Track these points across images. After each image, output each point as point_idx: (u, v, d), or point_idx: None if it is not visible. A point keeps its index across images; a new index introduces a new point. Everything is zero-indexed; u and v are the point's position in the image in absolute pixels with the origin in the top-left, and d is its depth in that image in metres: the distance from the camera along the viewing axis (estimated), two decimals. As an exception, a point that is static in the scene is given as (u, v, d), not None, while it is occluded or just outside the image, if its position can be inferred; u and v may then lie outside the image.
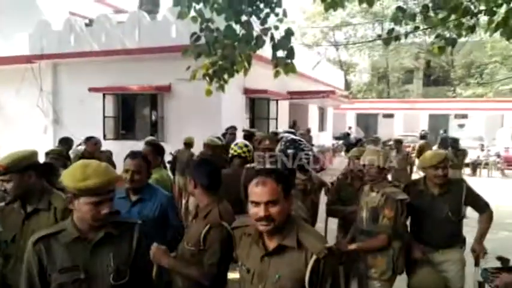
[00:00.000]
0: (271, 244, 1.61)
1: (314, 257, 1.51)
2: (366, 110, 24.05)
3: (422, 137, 11.72)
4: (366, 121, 24.63)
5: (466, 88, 26.04)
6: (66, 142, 6.06)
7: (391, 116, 23.05)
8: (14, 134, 10.67)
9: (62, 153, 4.41)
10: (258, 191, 1.56)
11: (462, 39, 4.30)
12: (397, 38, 4.21)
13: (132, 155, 2.68)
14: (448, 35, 4.13)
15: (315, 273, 1.52)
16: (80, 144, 6.51)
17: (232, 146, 3.87)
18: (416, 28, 4.44)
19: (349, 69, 31.49)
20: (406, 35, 4.71)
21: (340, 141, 17.59)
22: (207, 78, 3.92)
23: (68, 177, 1.64)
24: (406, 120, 22.05)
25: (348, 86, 28.19)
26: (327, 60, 24.45)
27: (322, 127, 17.85)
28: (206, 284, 2.03)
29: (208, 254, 2.05)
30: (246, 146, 3.80)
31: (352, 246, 2.97)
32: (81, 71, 10.17)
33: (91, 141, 6.20)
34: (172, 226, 2.66)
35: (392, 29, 4.24)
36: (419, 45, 24.53)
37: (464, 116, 22.25)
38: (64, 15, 10.62)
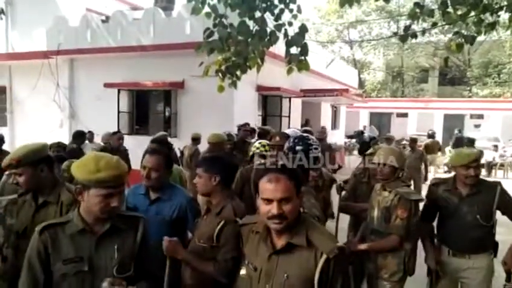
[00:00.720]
0: (280, 242, 1.57)
1: (324, 256, 1.47)
2: (379, 108, 23.78)
3: (430, 136, 11.67)
4: (380, 120, 24.35)
5: (482, 88, 25.52)
6: (80, 136, 6.20)
7: (405, 115, 22.74)
8: (31, 128, 10.89)
9: (62, 145, 4.51)
10: (271, 188, 1.51)
11: (480, 38, 4.19)
12: (414, 35, 4.12)
13: (152, 151, 2.64)
14: (467, 33, 4.03)
15: (324, 273, 1.48)
16: (88, 138, 6.59)
17: (255, 144, 3.91)
18: (435, 24, 4.34)
19: (363, 67, 31.16)
20: (424, 31, 4.62)
21: (353, 140, 17.45)
22: (220, 74, 3.91)
23: (80, 168, 1.65)
24: (420, 119, 21.72)
25: (361, 84, 27.92)
26: (340, 58, 24.25)
27: (334, 125, 17.72)
28: (223, 281, 2.01)
29: (223, 250, 2.04)
30: (268, 144, 3.85)
31: (362, 246, 2.92)
32: (97, 66, 10.30)
33: (116, 136, 6.38)
34: (189, 228, 2.59)
35: (410, 25, 4.17)
36: (436, 44, 24.12)
37: (480, 116, 21.78)
38: (81, 12, 10.76)
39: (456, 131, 15.52)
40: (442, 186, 2.99)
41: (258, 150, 3.73)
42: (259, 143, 3.88)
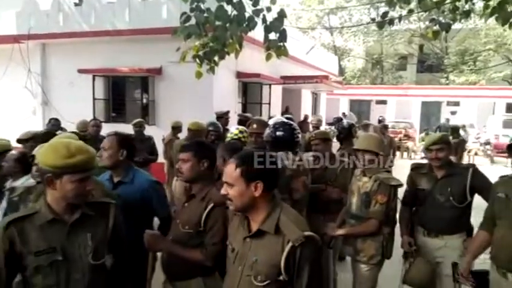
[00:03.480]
0: (254, 227, 1.61)
1: (290, 243, 1.50)
2: (359, 96, 24.03)
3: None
4: (359, 107, 24.64)
5: (459, 75, 26.06)
6: (54, 123, 6.06)
7: (384, 102, 23.05)
8: (2, 115, 10.49)
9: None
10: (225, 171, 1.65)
11: (457, 26, 4.25)
12: (391, 22, 4.14)
13: (108, 134, 2.67)
14: (442, 20, 4.06)
15: (291, 260, 1.50)
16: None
17: (232, 130, 3.89)
18: (411, 11, 4.37)
19: (343, 54, 31.30)
20: (400, 18, 4.64)
21: (333, 127, 17.59)
22: (197, 60, 3.83)
23: (50, 155, 1.58)
24: (398, 106, 22.09)
25: (342, 71, 28.07)
26: (321, 45, 24.25)
27: (315, 112, 17.82)
28: (209, 265, 2.04)
29: (211, 234, 2.04)
30: (245, 131, 3.85)
31: (341, 231, 2.98)
32: (71, 52, 9.95)
33: (92, 123, 6.24)
34: (158, 213, 2.61)
35: (387, 12, 4.18)
36: (414, 31, 24.44)
37: (457, 104, 22.34)
38: (52, -6, 10.32)
39: (445, 120, 16.03)
40: (420, 169, 3.09)
41: (236, 137, 3.69)
42: (237, 129, 3.85)
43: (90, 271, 1.68)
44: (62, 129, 6.59)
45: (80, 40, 9.58)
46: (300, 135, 3.13)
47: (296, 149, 3.08)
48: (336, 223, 3.19)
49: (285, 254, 1.50)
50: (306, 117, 12.46)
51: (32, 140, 3.60)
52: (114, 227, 1.79)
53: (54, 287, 1.63)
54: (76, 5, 9.85)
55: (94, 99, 9.83)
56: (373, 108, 24.52)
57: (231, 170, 1.59)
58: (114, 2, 9.45)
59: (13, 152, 3.06)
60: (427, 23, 4.37)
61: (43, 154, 1.62)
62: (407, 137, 16.94)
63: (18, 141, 3.71)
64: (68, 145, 1.61)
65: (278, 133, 2.98)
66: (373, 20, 4.57)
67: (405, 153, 15.86)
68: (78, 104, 9.50)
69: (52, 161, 1.57)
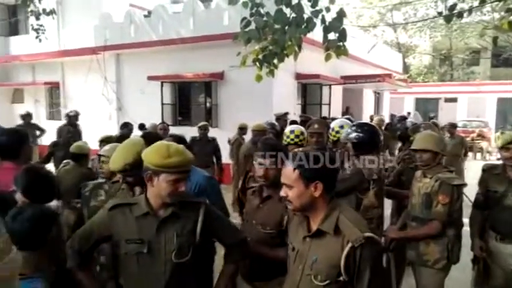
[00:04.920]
0: (314, 226, 1.63)
1: (350, 244, 1.50)
2: (426, 94, 22.74)
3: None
4: (426, 106, 23.28)
5: (542, 68, 23.62)
6: (126, 126, 6.60)
7: (453, 100, 21.58)
8: (83, 122, 11.53)
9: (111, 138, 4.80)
10: (282, 173, 1.67)
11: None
12: (460, 15, 3.91)
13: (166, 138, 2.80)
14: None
15: (351, 260, 1.50)
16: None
17: (287, 133, 3.87)
18: (483, 1, 4.08)
19: (408, 51, 29.84)
20: (471, 10, 4.37)
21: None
22: (257, 63, 3.94)
23: (152, 155, 1.71)
24: (470, 104, 20.54)
25: (406, 69, 26.80)
26: (384, 42, 23.39)
27: (377, 112, 17.22)
28: None
29: None
30: (302, 133, 3.80)
31: (402, 234, 2.89)
32: (141, 60, 10.68)
33: (160, 126, 6.74)
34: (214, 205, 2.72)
35: (455, 4, 3.95)
36: (488, 23, 22.59)
37: (540, 99, 20.28)
38: (125, 8, 11.16)
39: None
40: (492, 170, 2.95)
41: (292, 142, 3.66)
42: (292, 132, 3.80)
43: (172, 268, 1.74)
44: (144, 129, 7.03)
45: (149, 49, 10.26)
46: (382, 137, 2.99)
47: (378, 151, 2.95)
48: (397, 226, 3.11)
49: (344, 254, 1.49)
50: (371, 118, 12.13)
51: (107, 142, 3.99)
52: (205, 225, 1.82)
53: (135, 276, 1.74)
54: (146, 16, 10.58)
55: (162, 104, 10.45)
56: (441, 106, 23.03)
57: (289, 172, 1.60)
58: (179, 11, 9.99)
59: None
60: (502, 13, 4.05)
61: (147, 153, 1.73)
62: (481, 136, 15.71)
63: (101, 142, 4.13)
64: (168, 147, 1.71)
65: (360, 135, 2.84)
66: (440, 13, 4.35)
67: (478, 154, 14.74)
68: (148, 109, 10.17)
69: (152, 160, 1.69)
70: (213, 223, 1.89)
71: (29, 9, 8.12)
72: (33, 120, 9.04)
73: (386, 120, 11.14)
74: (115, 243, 1.80)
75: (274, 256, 2.06)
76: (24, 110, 12.59)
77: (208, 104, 10.23)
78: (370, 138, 2.84)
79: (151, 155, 1.72)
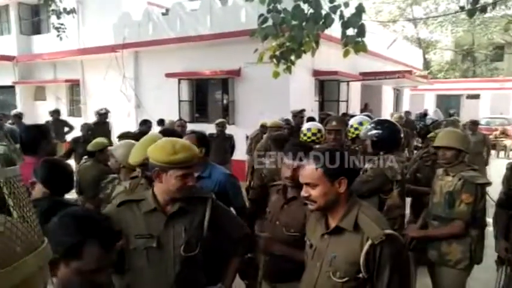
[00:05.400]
0: (332, 223, 1.62)
1: (369, 241, 1.48)
2: (447, 90, 22.23)
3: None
4: (447, 103, 22.76)
5: None
6: (145, 123, 6.68)
7: (476, 96, 21.04)
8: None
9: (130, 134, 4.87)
10: (301, 173, 1.66)
11: None
12: (483, 9, 3.80)
13: (187, 133, 2.84)
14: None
15: (371, 258, 1.48)
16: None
17: (304, 131, 3.84)
18: (508, -5, 3.95)
19: (428, 47, 29.22)
20: (495, 4, 4.25)
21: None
22: (274, 60, 3.93)
23: (158, 152, 1.73)
24: (494, 101, 19.97)
25: (427, 65, 26.26)
26: (404, 38, 22.95)
27: (397, 109, 16.94)
28: None
29: None
30: (319, 131, 3.76)
31: (422, 233, 2.83)
32: (159, 58, 10.79)
33: (178, 124, 6.82)
34: (234, 204, 2.70)
35: (478, -2, 3.84)
36: (513, 17, 21.89)
37: None
38: (143, 6, 11.28)
39: None
40: None
41: (309, 139, 3.64)
42: (309, 129, 3.78)
43: (181, 262, 1.77)
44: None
45: (167, 47, 10.34)
46: (402, 135, 2.91)
47: (398, 149, 2.89)
48: (417, 225, 3.05)
49: (364, 251, 1.48)
50: (392, 115, 11.94)
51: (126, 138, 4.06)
52: (212, 219, 1.85)
53: (144, 271, 1.76)
54: (163, 14, 10.66)
55: (179, 101, 10.54)
56: (463, 103, 22.48)
57: (311, 171, 1.59)
58: (196, 9, 10.03)
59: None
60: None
61: (153, 151, 1.75)
62: (505, 134, 15.27)
63: (119, 138, 4.19)
64: (174, 143, 1.73)
65: (381, 132, 2.77)
66: (462, 8, 4.23)
67: (502, 153, 14.33)
68: (166, 106, 10.28)
69: (159, 157, 1.71)
70: (220, 217, 1.93)
71: (51, 9, 8.28)
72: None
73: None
74: (123, 239, 1.80)
75: (299, 258, 1.99)
76: (46, 107, 12.96)
77: (225, 101, 10.25)
78: (390, 136, 2.78)
79: (157, 152, 1.73)
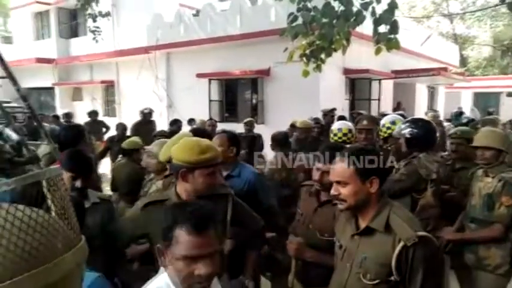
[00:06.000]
0: (363, 224, 1.59)
1: (401, 243, 1.44)
2: (485, 88, 21.26)
3: (461, 114, 10.34)
4: (486, 101, 21.76)
5: None
6: (175, 123, 6.83)
7: (517, 94, 20.02)
8: (136, 118, 12.07)
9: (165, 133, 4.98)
10: (331, 170, 1.64)
11: None
12: (526, 2, 3.63)
13: (218, 132, 2.87)
14: None
15: (403, 260, 1.44)
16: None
17: (335, 130, 3.79)
18: (552, -13, 3.75)
19: (465, 43, 28.07)
20: (538, -3, 4.03)
21: (449, 123, 15.95)
22: (304, 58, 3.91)
23: (186, 152, 1.74)
24: (537, 99, 18.94)
25: (464, 61, 25.25)
26: (439, 34, 22.19)
27: (431, 108, 16.40)
28: None
29: None
30: (350, 131, 3.70)
31: (459, 236, 2.73)
32: (190, 58, 10.97)
33: (208, 123, 6.92)
34: (262, 203, 2.70)
35: (520, -9, 3.66)
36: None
37: None
38: (175, 7, 11.50)
39: None
40: None
41: (340, 140, 3.56)
42: (339, 129, 3.71)
43: None
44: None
45: (198, 47, 10.50)
46: (437, 134, 2.85)
47: (433, 149, 2.80)
48: (454, 227, 2.94)
49: (396, 253, 1.44)
50: (425, 114, 11.57)
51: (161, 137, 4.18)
52: (234, 215, 1.91)
53: None
54: (194, 15, 10.83)
55: (210, 100, 10.67)
56: (503, 101, 21.42)
57: (342, 169, 1.57)
58: (227, 9, 10.12)
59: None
60: None
61: (179, 150, 1.76)
62: (549, 134, 14.45)
63: (154, 137, 4.32)
64: (200, 143, 1.76)
65: (415, 131, 2.70)
66: (502, 1, 4.05)
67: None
68: (196, 106, 10.43)
69: (187, 157, 1.72)
70: (240, 212, 1.99)
71: (87, 12, 8.60)
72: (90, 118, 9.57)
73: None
74: (151, 240, 1.85)
75: (327, 262, 1.95)
76: (82, 107, 13.48)
77: (254, 101, 10.29)
78: (425, 135, 2.71)
79: (184, 153, 1.75)
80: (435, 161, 2.66)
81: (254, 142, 6.55)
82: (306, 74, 3.91)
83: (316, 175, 2.09)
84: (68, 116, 8.97)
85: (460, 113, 8.90)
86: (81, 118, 10.43)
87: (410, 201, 2.59)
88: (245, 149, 4.69)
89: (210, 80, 10.60)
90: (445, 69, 13.04)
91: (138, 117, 7.81)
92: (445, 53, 16.35)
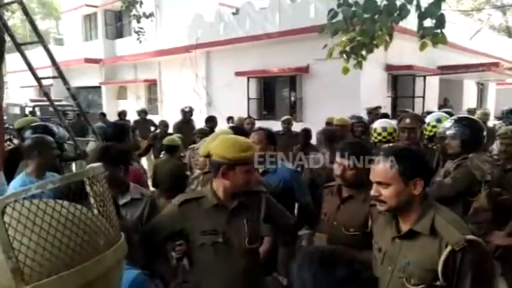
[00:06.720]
0: (405, 227, 1.52)
1: (449, 247, 1.36)
2: (542, 84, 19.82)
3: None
4: (542, 98, 20.31)
5: None
6: (211, 120, 6.95)
7: None
8: (177, 116, 12.39)
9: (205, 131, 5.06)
10: (372, 170, 1.58)
11: None
12: None
13: (256, 129, 2.94)
14: None
15: (450, 265, 1.37)
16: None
17: (379, 130, 3.70)
18: None
19: (520, 36, 26.29)
20: None
21: (500, 121, 15.00)
22: (344, 55, 3.82)
23: (228, 149, 1.77)
24: None
25: (517, 56, 23.64)
26: (490, 27, 20.94)
27: (480, 106, 15.52)
28: None
29: None
30: (395, 131, 3.60)
31: (509, 241, 2.57)
32: (229, 57, 11.08)
33: (247, 121, 6.98)
34: (298, 201, 2.70)
35: None
36: None
37: None
38: (215, 6, 11.65)
39: None
40: None
41: (384, 139, 3.47)
42: (384, 129, 3.61)
43: (246, 254, 1.84)
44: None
45: (237, 46, 10.58)
46: (485, 134, 2.70)
47: (481, 149, 2.68)
48: (505, 231, 2.76)
49: (443, 258, 1.37)
50: (470, 112, 10.98)
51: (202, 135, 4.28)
52: (267, 212, 1.95)
53: (213, 265, 1.82)
54: (233, 14, 10.92)
55: (248, 98, 10.74)
56: (562, 98, 19.90)
57: (385, 169, 1.51)
58: (266, 7, 10.12)
59: None
60: None
61: (221, 149, 1.78)
62: None
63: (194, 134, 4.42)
64: (240, 141, 1.81)
65: (462, 130, 2.57)
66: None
67: None
68: (235, 104, 10.53)
69: (229, 154, 1.75)
70: (273, 209, 2.02)
71: (132, 14, 8.90)
72: (134, 115, 9.91)
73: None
74: (188, 237, 1.88)
75: (360, 259, 1.95)
76: (127, 105, 14.00)
77: (292, 98, 10.22)
78: (471, 134, 2.56)
79: (225, 150, 1.77)
80: (486, 161, 2.51)
81: (293, 140, 6.52)
82: (346, 71, 3.82)
83: (337, 170, 2.09)
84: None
85: (511, 111, 8.30)
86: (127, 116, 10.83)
87: (463, 204, 2.46)
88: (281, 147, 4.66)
89: (248, 78, 10.65)
90: (496, 64, 12.28)
91: (179, 115, 7.96)
92: (496, 47, 15.41)
